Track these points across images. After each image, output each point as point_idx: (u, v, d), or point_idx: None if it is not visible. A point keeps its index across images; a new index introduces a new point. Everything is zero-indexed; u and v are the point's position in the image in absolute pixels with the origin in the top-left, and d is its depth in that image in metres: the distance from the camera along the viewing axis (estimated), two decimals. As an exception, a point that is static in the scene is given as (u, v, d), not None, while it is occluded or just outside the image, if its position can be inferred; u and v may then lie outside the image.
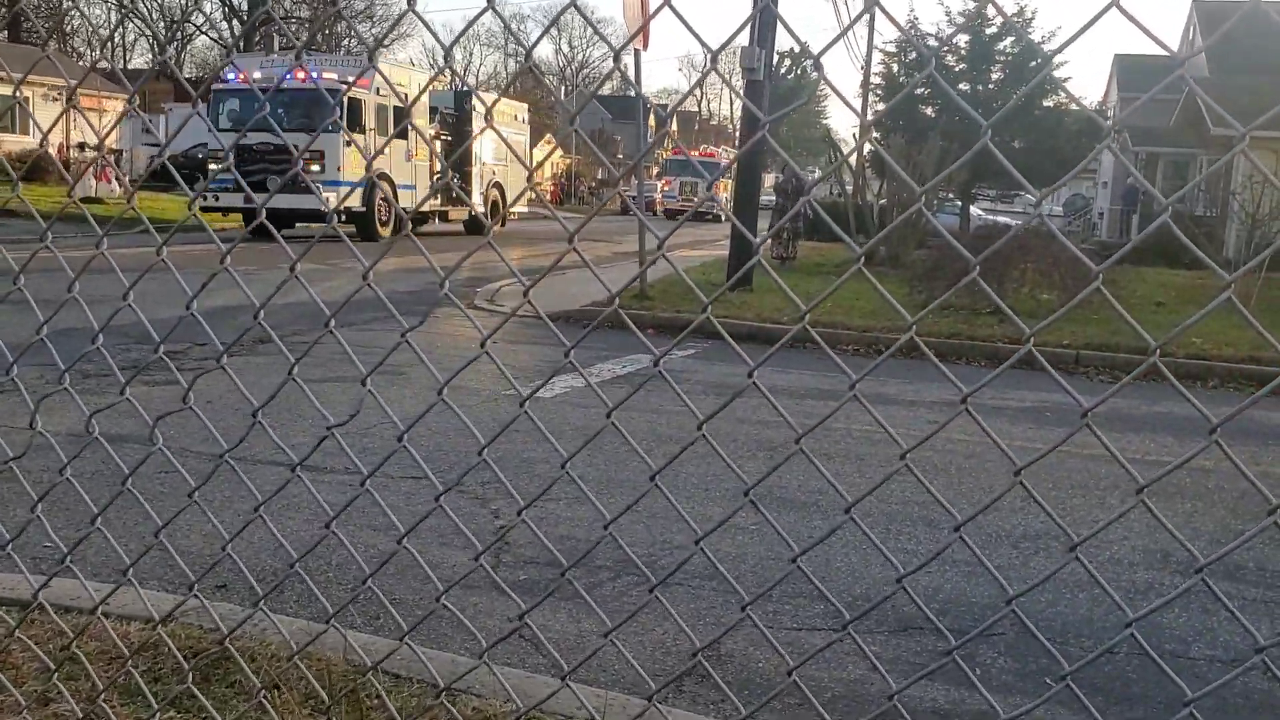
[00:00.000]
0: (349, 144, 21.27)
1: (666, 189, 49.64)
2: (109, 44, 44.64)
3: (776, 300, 12.84)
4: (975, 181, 26.27)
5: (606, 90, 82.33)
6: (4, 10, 46.10)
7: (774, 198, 22.71)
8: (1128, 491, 5.82)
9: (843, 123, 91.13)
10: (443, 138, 27.06)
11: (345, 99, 21.71)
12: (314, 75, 22.21)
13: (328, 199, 20.58)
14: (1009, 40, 26.84)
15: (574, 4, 1.51)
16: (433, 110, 26.13)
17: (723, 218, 47.79)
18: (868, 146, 28.27)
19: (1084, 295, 1.41)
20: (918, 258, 13.25)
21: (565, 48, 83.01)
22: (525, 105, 34.97)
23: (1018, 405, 8.01)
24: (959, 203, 27.93)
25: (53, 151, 29.95)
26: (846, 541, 4.79)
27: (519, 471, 5.58)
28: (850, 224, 19.60)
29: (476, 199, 27.49)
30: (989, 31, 27.59)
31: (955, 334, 10.56)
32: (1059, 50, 1.25)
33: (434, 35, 1.71)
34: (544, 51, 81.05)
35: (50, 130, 1.97)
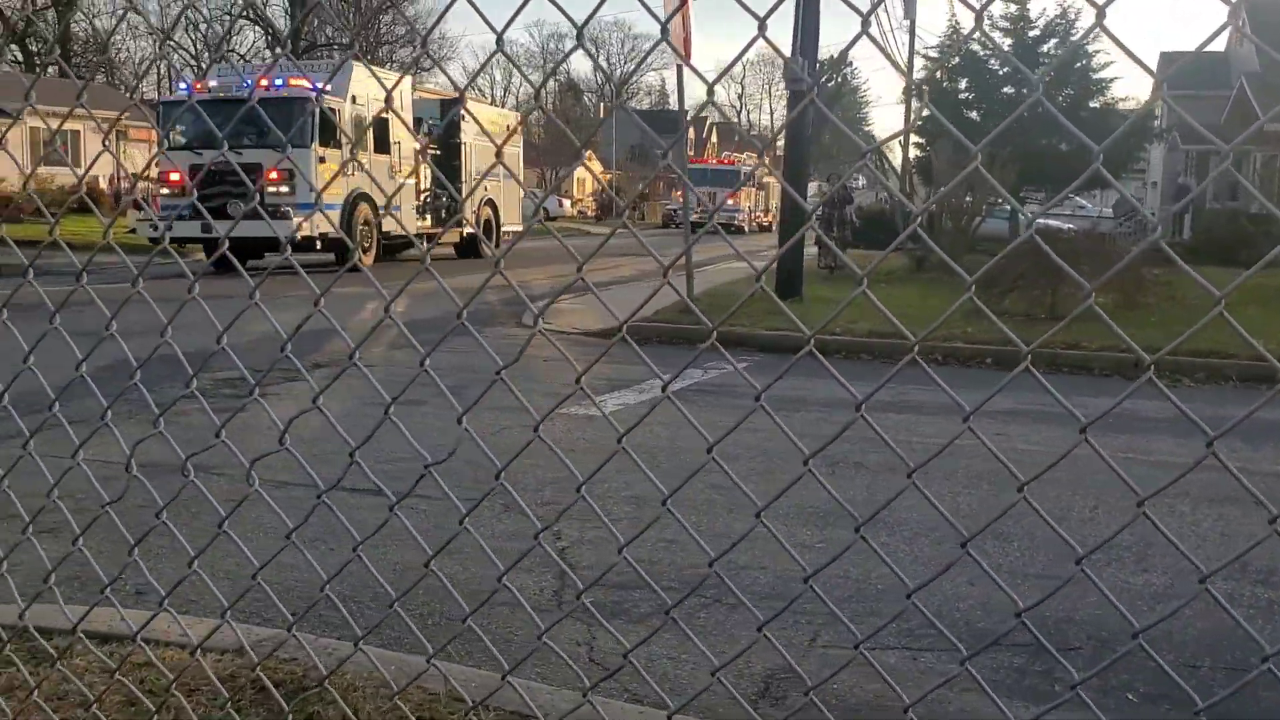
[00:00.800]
0: (323, 160, 19.36)
1: (680, 200, 47.80)
2: (163, 81, 45.47)
3: (826, 310, 12.76)
4: (1023, 185, 26.00)
5: (645, 104, 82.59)
6: (52, 42, 47.05)
7: (820, 208, 22.62)
8: (1199, 499, 5.70)
9: (884, 129, 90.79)
10: (430, 151, 24.73)
11: (317, 110, 19.35)
12: (278, 83, 19.19)
13: (299, 224, 17.85)
14: (1053, 42, 26.55)
15: (665, 39, 1.49)
16: (417, 121, 23.92)
17: (746, 229, 45.64)
18: (914, 153, 28.07)
19: (1206, 321, 1.37)
20: (969, 263, 13.10)
21: (603, 63, 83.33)
22: (516, 114, 32.52)
23: (1080, 413, 7.89)
24: (1007, 207, 27.64)
25: (104, 184, 30.51)
26: (915, 558, 4.73)
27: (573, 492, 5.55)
28: (899, 231, 19.45)
29: (468, 218, 24.99)
30: (1032, 34, 27.33)
31: (1012, 341, 10.42)
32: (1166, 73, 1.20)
33: (523, 75, 1.70)
34: (583, 68, 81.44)
35: (127, 170, 1.99)
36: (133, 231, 19.79)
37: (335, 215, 19.61)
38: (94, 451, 2.24)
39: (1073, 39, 26.11)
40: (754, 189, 49.45)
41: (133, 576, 4.01)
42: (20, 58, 46.96)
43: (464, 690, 2.08)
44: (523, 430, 6.90)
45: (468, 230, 24.55)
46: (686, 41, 12.29)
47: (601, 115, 69.08)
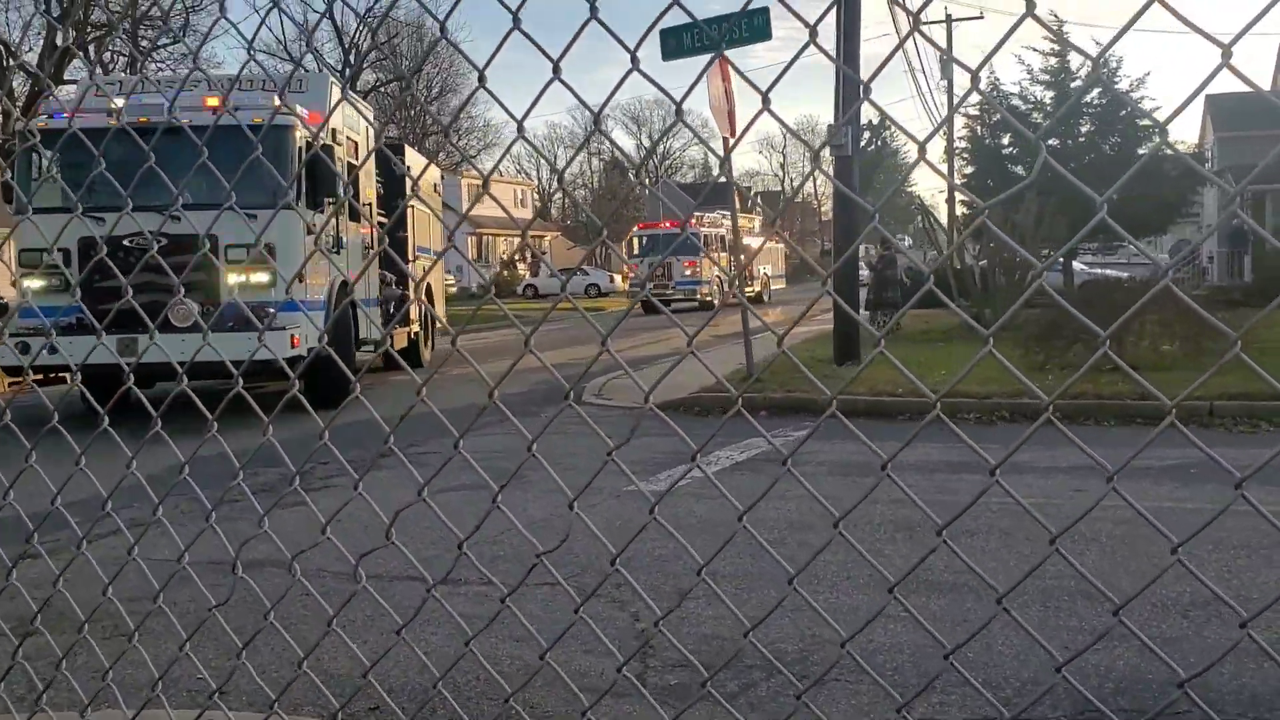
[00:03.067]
0: (309, 232, 11.07)
1: (631, 277, 39.24)
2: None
3: (887, 372, 12.62)
4: (1072, 236, 25.73)
5: (689, 178, 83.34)
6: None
7: (867, 273, 22.47)
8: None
9: (929, 187, 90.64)
10: (378, 219, 15.84)
11: (302, 146, 12.15)
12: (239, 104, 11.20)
13: (292, 338, 11.46)
14: (1096, 91, 26.46)
15: (680, 117, 1.46)
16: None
17: (715, 303, 32.93)
18: (961, 210, 27.98)
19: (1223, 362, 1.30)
20: (1030, 318, 12.93)
21: (645, 141, 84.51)
22: (437, 170, 23.08)
23: (1159, 464, 7.67)
24: (1060, 259, 27.37)
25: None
26: (1006, 623, 4.58)
27: (652, 571, 5.47)
28: (951, 288, 19.32)
29: (412, 310, 16.78)
30: (1074, 84, 27.28)
31: (1081, 394, 10.21)
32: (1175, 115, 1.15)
33: (545, 158, 1.67)
34: (625, 146, 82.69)
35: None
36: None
37: (320, 319, 12.03)
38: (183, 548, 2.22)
39: (1115, 87, 26.02)
40: (727, 255, 40.93)
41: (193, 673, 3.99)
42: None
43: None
44: (593, 506, 6.84)
45: (412, 331, 17.73)
46: (731, 115, 12.37)
47: (646, 191, 69.76)
